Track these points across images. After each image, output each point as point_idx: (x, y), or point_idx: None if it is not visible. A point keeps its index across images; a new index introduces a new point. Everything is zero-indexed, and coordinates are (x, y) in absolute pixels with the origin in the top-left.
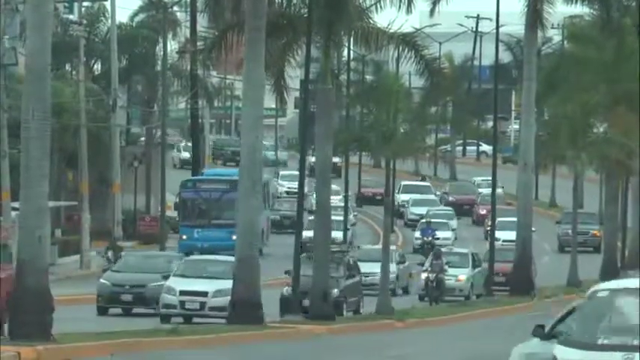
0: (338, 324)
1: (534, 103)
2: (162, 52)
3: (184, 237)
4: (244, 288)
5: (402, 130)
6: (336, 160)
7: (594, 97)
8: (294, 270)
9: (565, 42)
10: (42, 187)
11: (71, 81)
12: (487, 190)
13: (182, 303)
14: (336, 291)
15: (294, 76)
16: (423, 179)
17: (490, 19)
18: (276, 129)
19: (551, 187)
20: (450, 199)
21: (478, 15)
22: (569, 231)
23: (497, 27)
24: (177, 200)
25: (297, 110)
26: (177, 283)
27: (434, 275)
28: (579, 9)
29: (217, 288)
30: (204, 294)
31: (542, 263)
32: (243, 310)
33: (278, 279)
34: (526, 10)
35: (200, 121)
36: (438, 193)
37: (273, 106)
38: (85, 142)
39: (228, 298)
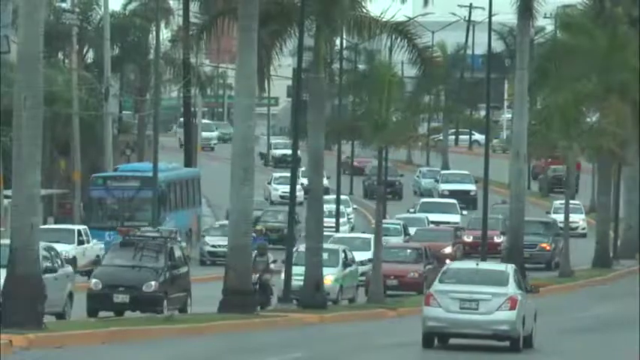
0: (330, 313)
1: (527, 92)
2: (154, 41)
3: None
4: (236, 276)
5: (394, 119)
6: (471, 187)
7: (586, 87)
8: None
9: (558, 31)
10: (34, 176)
11: (64, 69)
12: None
13: None
14: (153, 284)
15: (286, 65)
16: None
17: (483, 8)
18: (268, 118)
19: (545, 177)
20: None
21: (471, 4)
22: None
23: (490, 16)
24: (86, 198)
25: (290, 99)
26: None
27: (256, 276)
28: None
29: None
30: None
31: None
32: (235, 298)
33: None
34: None
35: (192, 109)
36: (464, 212)
37: (266, 94)
38: (78, 131)
39: None
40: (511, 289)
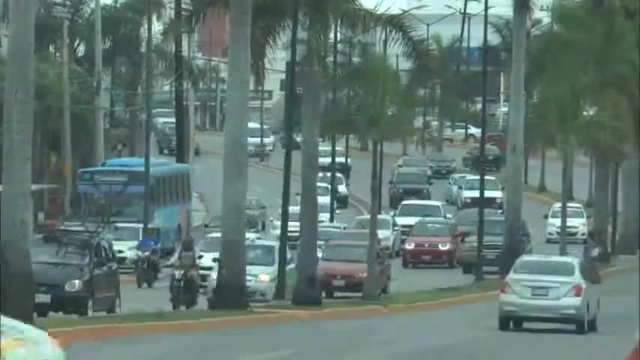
0: (323, 310)
1: (523, 85)
2: (146, 34)
3: None
4: (229, 273)
5: (389, 113)
6: (496, 194)
7: (583, 80)
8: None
9: (554, 24)
10: (24, 171)
11: (55, 63)
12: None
13: None
14: (77, 282)
15: (279, 58)
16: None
17: (479, 1)
18: (261, 112)
19: (541, 171)
20: None
21: None
22: (475, 244)
23: (486, 8)
24: (73, 194)
25: (283, 93)
26: None
27: (181, 272)
28: None
29: None
30: None
31: (528, 250)
32: (228, 295)
33: None
34: None
35: (185, 103)
36: (448, 215)
37: (259, 88)
38: (69, 125)
39: None
40: (576, 278)
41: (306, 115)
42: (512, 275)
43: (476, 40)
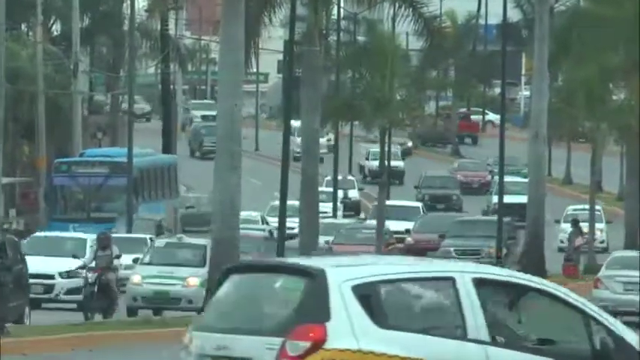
0: None
1: (547, 66)
2: (129, 10)
3: None
4: None
5: (398, 97)
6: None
7: (613, 60)
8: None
9: None
10: None
11: (27, 43)
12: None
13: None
14: None
15: (276, 37)
16: None
17: None
18: (257, 96)
19: (566, 162)
20: None
21: None
22: (452, 249)
23: None
24: (47, 187)
25: (281, 75)
26: None
27: (94, 276)
28: None
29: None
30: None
31: (555, 247)
32: None
33: None
34: None
35: (172, 87)
36: None
37: (254, 70)
38: (43, 111)
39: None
40: None
41: (306, 100)
42: (604, 271)
43: (494, 16)
